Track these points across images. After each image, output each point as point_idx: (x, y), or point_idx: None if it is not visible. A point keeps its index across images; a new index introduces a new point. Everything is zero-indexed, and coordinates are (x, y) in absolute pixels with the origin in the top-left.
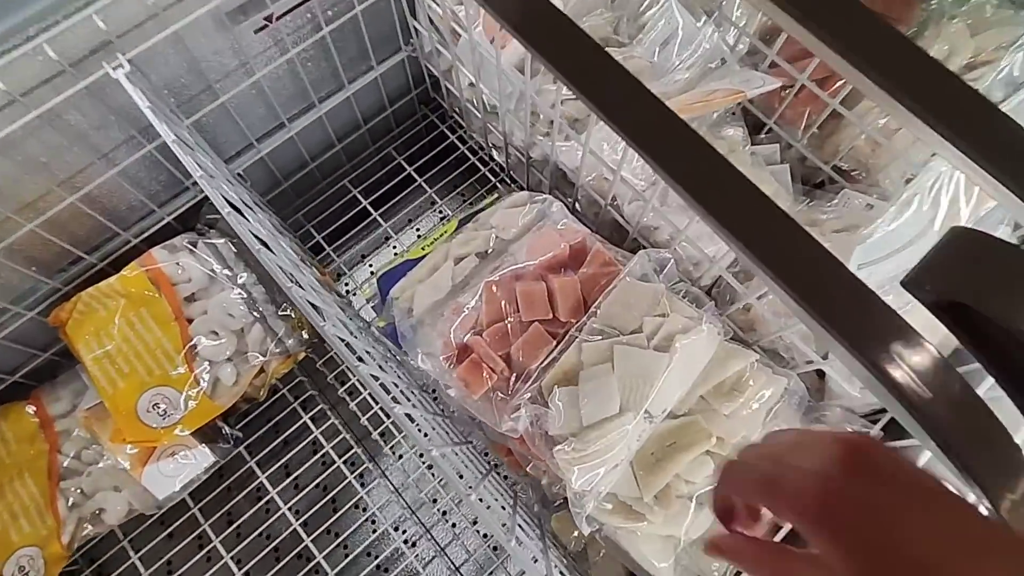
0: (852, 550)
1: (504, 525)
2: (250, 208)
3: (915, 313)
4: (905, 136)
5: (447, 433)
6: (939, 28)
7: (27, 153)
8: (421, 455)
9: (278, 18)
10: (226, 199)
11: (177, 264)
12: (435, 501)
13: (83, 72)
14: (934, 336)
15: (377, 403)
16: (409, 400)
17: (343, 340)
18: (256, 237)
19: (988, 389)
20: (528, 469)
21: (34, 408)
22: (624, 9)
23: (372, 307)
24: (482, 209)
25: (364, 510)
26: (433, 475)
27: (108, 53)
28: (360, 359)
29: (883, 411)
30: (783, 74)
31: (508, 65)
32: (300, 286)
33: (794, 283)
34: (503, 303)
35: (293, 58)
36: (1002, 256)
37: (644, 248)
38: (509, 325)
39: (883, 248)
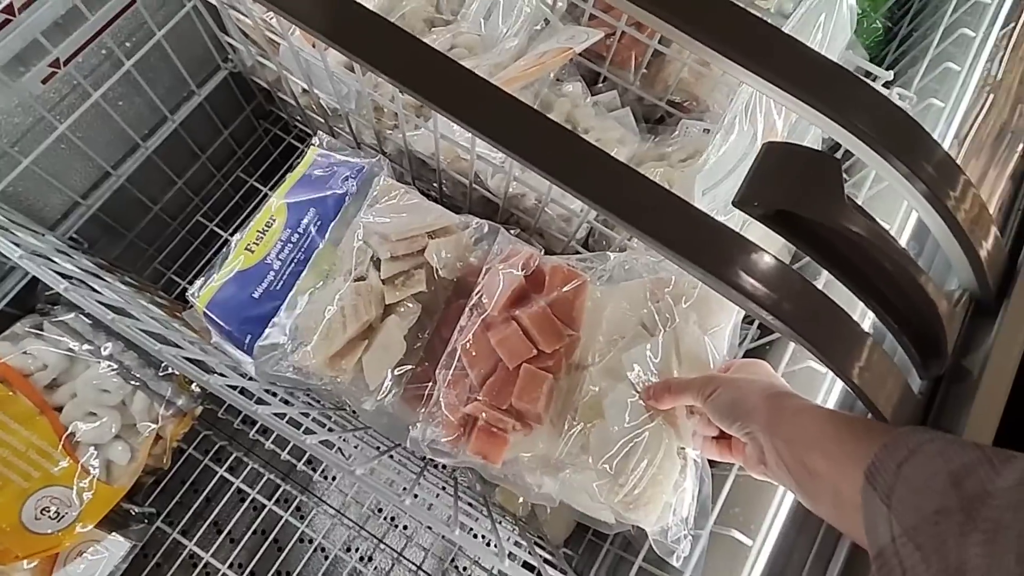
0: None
1: (448, 517)
2: (93, 275)
3: (755, 226)
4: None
5: (375, 443)
6: None
7: None
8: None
9: (66, 62)
10: (59, 273)
11: (25, 353)
12: (380, 511)
13: None
14: (773, 244)
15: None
16: (325, 425)
17: (235, 387)
18: (105, 306)
19: (826, 282)
20: None
21: None
22: None
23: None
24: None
25: (310, 542)
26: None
27: None
28: (260, 400)
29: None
30: (603, 24)
31: (337, 66)
32: (174, 344)
33: (644, 226)
34: (482, 357)
35: (99, 100)
36: (809, 164)
37: (514, 216)
38: (501, 378)
39: (720, 171)
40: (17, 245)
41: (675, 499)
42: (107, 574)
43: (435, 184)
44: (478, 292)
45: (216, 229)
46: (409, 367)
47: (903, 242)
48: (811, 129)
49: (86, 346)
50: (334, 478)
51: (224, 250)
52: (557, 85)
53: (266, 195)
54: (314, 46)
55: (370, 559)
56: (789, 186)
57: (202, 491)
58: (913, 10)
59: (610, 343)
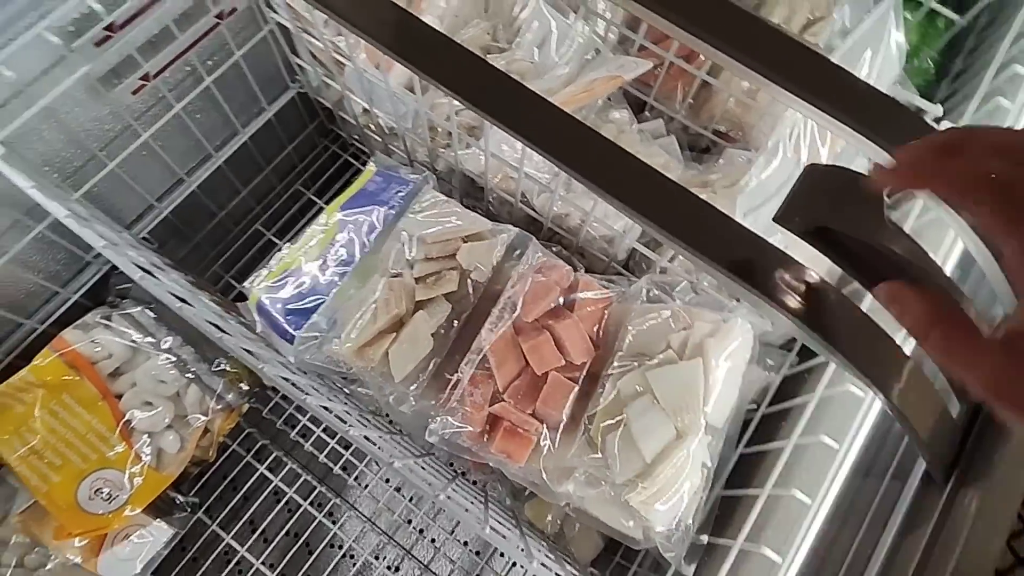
0: None
1: (479, 518)
2: (161, 269)
3: (799, 247)
4: (766, 94)
5: (407, 449)
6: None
7: None
8: (388, 479)
9: (155, 76)
10: (136, 264)
11: (93, 342)
12: (410, 521)
13: None
14: (820, 264)
15: (333, 438)
16: (364, 425)
17: (287, 379)
18: (175, 296)
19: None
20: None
21: None
22: (498, 17)
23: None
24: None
25: (340, 547)
26: (403, 495)
27: None
28: (307, 394)
29: (795, 339)
30: (652, 55)
31: (398, 86)
32: (230, 335)
33: (691, 240)
34: (512, 360)
35: (180, 112)
36: (849, 182)
37: (557, 235)
38: (527, 384)
39: (761, 195)
40: (101, 236)
41: (686, 503)
42: (149, 559)
43: (482, 202)
44: (509, 296)
45: (273, 238)
46: (434, 362)
47: (948, 271)
48: (856, 159)
49: (148, 339)
50: (367, 485)
51: (280, 251)
52: (605, 112)
53: (321, 208)
54: (377, 67)
55: (398, 568)
56: (829, 202)
57: (241, 487)
58: (967, 48)
59: (633, 357)
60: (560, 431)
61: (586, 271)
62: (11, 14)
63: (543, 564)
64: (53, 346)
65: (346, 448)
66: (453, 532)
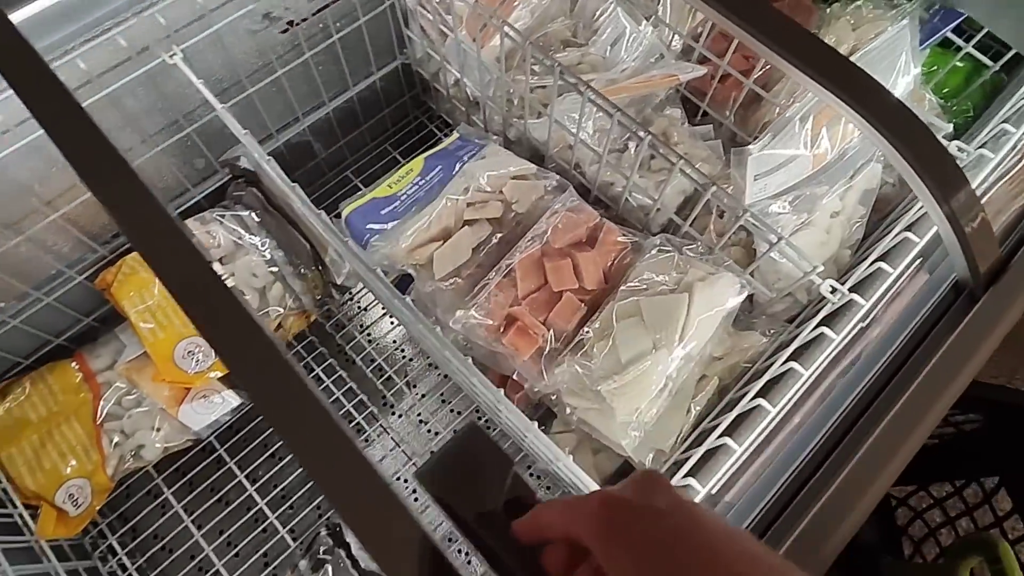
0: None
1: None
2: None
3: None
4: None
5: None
6: (830, 26)
7: None
8: (419, 414)
9: (297, 24)
10: (262, 157)
11: (208, 232)
12: (433, 454)
13: (145, 60)
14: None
15: (384, 365)
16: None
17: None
18: (284, 182)
19: None
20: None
21: (77, 364)
22: (581, 17)
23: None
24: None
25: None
26: (429, 431)
27: (165, 45)
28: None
29: (799, 314)
30: (711, 65)
31: (488, 58)
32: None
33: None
34: (535, 277)
35: (309, 60)
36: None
37: (602, 203)
38: (543, 297)
39: (772, 163)
40: (243, 128)
41: (647, 401)
42: (215, 419)
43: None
44: (543, 225)
45: (359, 184)
46: (469, 272)
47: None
48: (872, 163)
49: (250, 238)
50: (400, 415)
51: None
52: (660, 107)
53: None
54: (474, 40)
55: (413, 492)
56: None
57: None
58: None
59: (632, 292)
60: (561, 341)
61: None
62: None
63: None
64: None
65: (394, 375)
66: None
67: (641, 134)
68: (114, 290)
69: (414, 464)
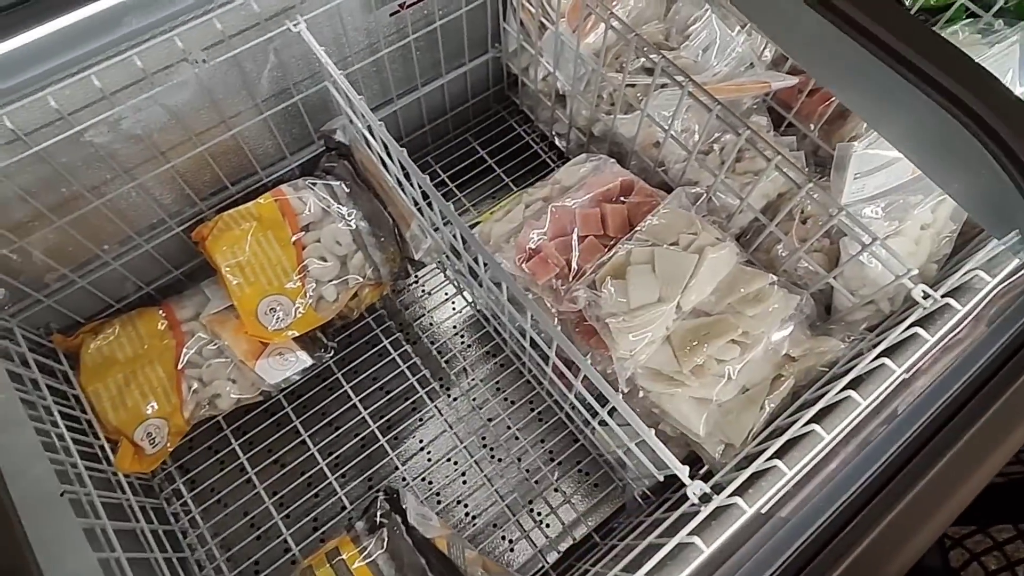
0: None
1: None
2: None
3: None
4: None
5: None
6: None
7: (211, 88)
8: (474, 399)
9: (407, 6)
10: (372, 127)
11: (300, 199)
12: (484, 439)
13: (270, 27)
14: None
15: (450, 341)
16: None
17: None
18: (392, 145)
19: None
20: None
21: (164, 313)
22: (674, 22)
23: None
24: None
25: (420, 441)
26: (482, 416)
27: (291, 16)
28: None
29: (879, 325)
30: (801, 76)
31: (586, 51)
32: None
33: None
34: (566, 223)
35: (410, 43)
36: None
37: None
38: (570, 239)
39: (874, 162)
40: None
41: (643, 344)
42: (288, 376)
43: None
44: (581, 183)
45: (438, 170)
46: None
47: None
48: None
49: (338, 208)
50: (456, 398)
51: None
52: (747, 115)
53: (482, 158)
54: (574, 31)
55: (463, 474)
56: None
57: (366, 353)
58: None
59: (647, 236)
60: (575, 275)
61: None
62: None
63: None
64: (273, 193)
65: (455, 358)
66: (520, 459)
67: (740, 130)
68: (208, 244)
69: (465, 448)
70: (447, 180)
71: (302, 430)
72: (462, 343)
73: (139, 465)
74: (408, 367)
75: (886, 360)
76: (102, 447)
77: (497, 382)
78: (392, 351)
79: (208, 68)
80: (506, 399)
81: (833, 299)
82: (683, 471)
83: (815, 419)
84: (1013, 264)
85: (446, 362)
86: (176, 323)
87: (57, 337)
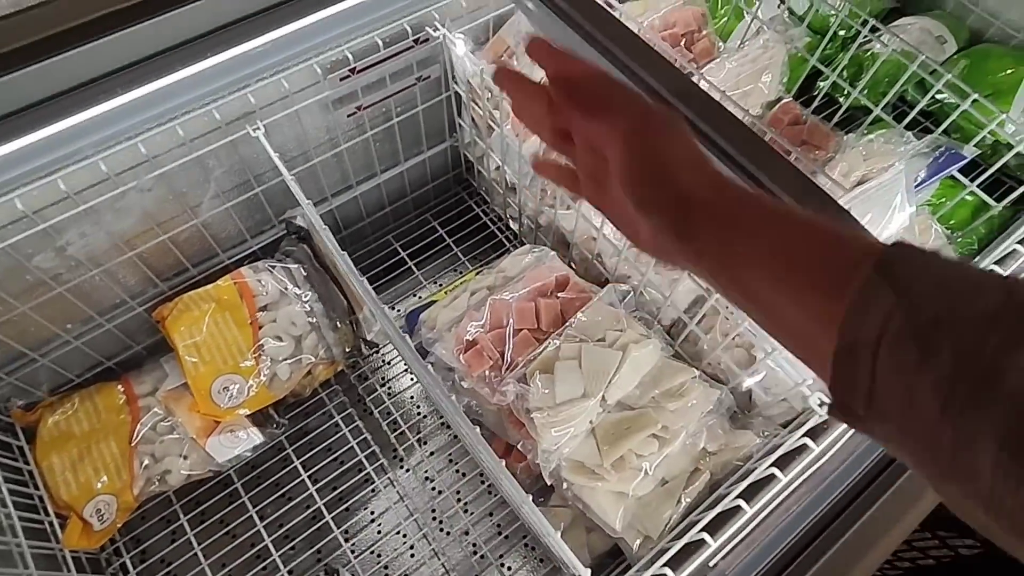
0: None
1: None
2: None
3: None
4: None
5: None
6: (844, 154)
7: (175, 184)
8: (426, 471)
9: (364, 108)
10: (320, 220)
11: (259, 281)
12: (433, 511)
13: (231, 131)
14: None
15: (401, 419)
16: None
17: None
18: (335, 248)
19: None
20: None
21: (123, 387)
22: None
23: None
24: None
25: (371, 513)
26: (434, 489)
27: (251, 120)
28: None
29: (795, 419)
30: None
31: (527, 152)
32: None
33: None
34: (502, 316)
35: (369, 137)
36: None
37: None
38: (505, 331)
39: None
40: (306, 197)
41: (567, 438)
42: (237, 454)
43: (567, 258)
44: (520, 277)
45: (398, 247)
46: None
47: None
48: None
49: (294, 290)
50: (408, 470)
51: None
52: None
53: (441, 237)
54: (517, 135)
55: (412, 547)
56: None
57: (317, 428)
58: None
59: (576, 332)
60: (508, 368)
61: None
62: (300, 49)
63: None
64: (232, 276)
65: (410, 431)
66: (466, 533)
67: None
68: (168, 324)
69: (414, 520)
70: (407, 258)
71: (251, 505)
72: (418, 413)
73: (87, 542)
74: (359, 442)
75: (775, 470)
76: (51, 523)
77: (450, 454)
78: (344, 426)
79: (169, 169)
80: (458, 471)
81: (752, 396)
82: (584, 573)
83: (709, 527)
84: None
85: (400, 434)
86: (134, 398)
87: (16, 412)
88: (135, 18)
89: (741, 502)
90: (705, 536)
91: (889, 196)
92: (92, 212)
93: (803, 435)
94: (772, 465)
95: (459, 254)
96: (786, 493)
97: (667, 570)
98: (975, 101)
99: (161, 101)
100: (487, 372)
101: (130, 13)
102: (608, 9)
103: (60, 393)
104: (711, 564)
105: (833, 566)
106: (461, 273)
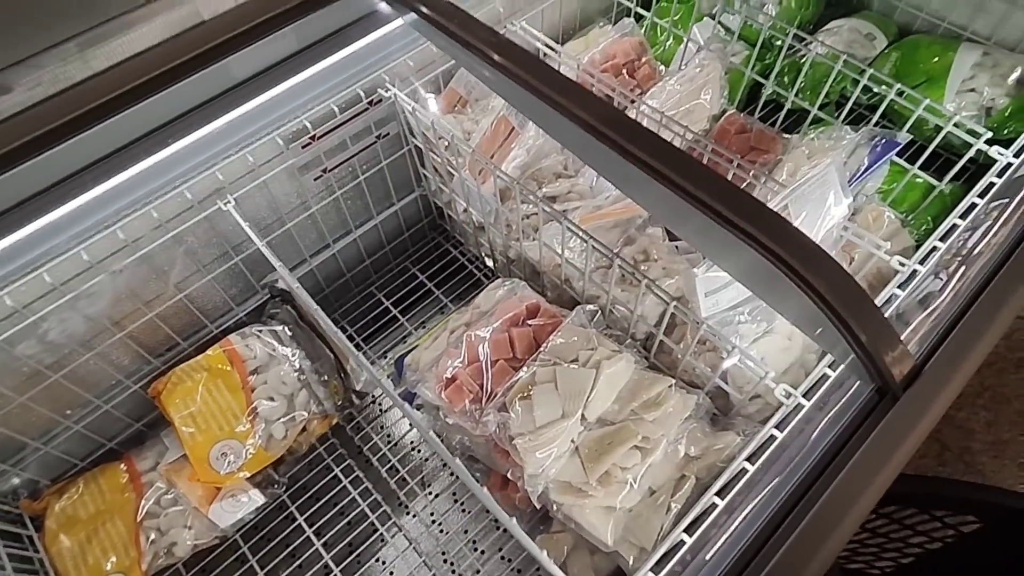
0: None
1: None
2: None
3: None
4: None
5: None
6: (789, 154)
7: (156, 263)
8: (432, 513)
9: (330, 170)
10: (297, 283)
11: (247, 345)
12: (444, 554)
13: (204, 207)
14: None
15: (401, 465)
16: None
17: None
18: (312, 302)
19: None
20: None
21: (125, 466)
22: (570, 154)
23: (391, 380)
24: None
25: (382, 563)
26: (442, 531)
27: (221, 195)
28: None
29: (771, 417)
30: None
31: (487, 192)
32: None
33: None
34: (479, 349)
35: (339, 197)
36: None
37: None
38: (483, 364)
39: (718, 282)
40: (280, 261)
41: (552, 459)
42: (240, 517)
43: (540, 285)
44: (493, 309)
45: (382, 298)
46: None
47: None
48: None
49: (282, 350)
50: (414, 515)
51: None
52: (643, 227)
53: (423, 282)
54: (475, 178)
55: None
56: None
57: (317, 483)
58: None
59: (550, 355)
60: (488, 399)
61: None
62: (261, 124)
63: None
64: (221, 344)
65: (409, 476)
66: (479, 572)
67: (615, 255)
68: (163, 398)
69: (424, 564)
70: (391, 307)
71: (259, 568)
72: (419, 455)
73: None
74: (361, 492)
75: (746, 464)
76: None
77: (454, 493)
78: (344, 478)
79: (150, 250)
80: (464, 509)
81: (730, 396)
82: None
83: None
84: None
85: (401, 480)
86: (137, 475)
87: (24, 502)
88: (103, 116)
89: (716, 498)
90: (684, 536)
91: (824, 191)
92: (78, 300)
93: (772, 427)
94: (744, 460)
95: (441, 296)
96: (757, 481)
97: (650, 574)
98: (901, 91)
99: (134, 189)
100: (468, 405)
101: (96, 112)
102: (541, 58)
103: (66, 479)
104: (688, 558)
105: (804, 541)
106: (446, 314)
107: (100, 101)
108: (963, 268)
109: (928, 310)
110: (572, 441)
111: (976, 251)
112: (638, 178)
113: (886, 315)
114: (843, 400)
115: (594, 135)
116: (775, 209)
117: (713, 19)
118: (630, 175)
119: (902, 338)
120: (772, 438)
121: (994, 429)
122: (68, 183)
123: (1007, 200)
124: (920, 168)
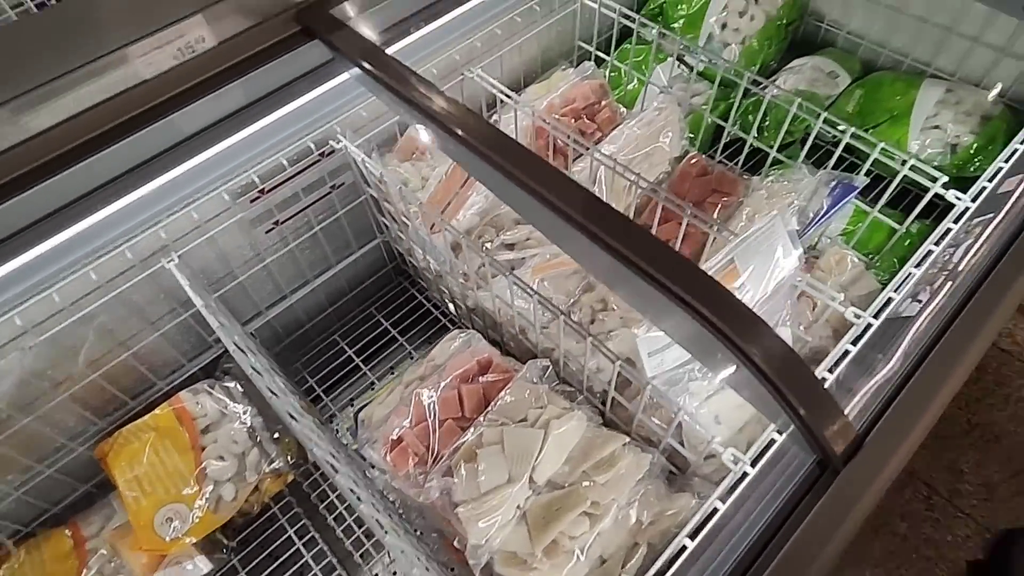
0: None
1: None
2: (254, 353)
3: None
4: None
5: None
6: (750, 197)
7: (100, 323)
8: (393, 572)
9: (283, 223)
10: (235, 344)
11: (198, 403)
12: None
13: (147, 266)
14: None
15: (357, 526)
16: (375, 509)
17: (329, 462)
18: (253, 369)
19: None
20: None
21: (70, 532)
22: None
23: (350, 433)
24: None
25: None
26: None
27: (165, 253)
28: (337, 471)
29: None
30: None
31: (441, 243)
32: (293, 417)
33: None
34: (427, 407)
35: (293, 248)
36: None
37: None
38: (430, 424)
39: (661, 342)
40: (219, 322)
41: (496, 528)
42: None
43: (498, 335)
44: (444, 364)
45: (345, 347)
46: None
47: None
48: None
49: (234, 407)
50: (376, 574)
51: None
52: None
53: (387, 329)
54: (430, 229)
55: None
56: None
57: (271, 545)
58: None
59: (498, 415)
60: (434, 461)
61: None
62: (206, 180)
63: None
64: (170, 402)
65: (366, 537)
66: None
67: (560, 313)
68: (109, 460)
69: None
70: (354, 356)
71: None
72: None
73: None
74: (314, 555)
75: (687, 540)
76: None
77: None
78: (297, 540)
79: (92, 309)
80: (428, 569)
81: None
82: None
83: None
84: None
85: (358, 540)
86: (82, 541)
87: None
88: (37, 178)
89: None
90: None
91: (772, 242)
92: (11, 363)
93: (716, 498)
94: (686, 536)
95: (405, 344)
96: (699, 555)
97: None
98: (855, 133)
99: (72, 250)
100: (413, 469)
101: (31, 176)
102: (498, 105)
103: (14, 541)
104: None
105: None
106: (412, 360)
107: (33, 165)
108: (914, 325)
109: (873, 375)
110: (519, 507)
111: (929, 307)
112: (574, 237)
113: (840, 369)
114: (789, 468)
115: (531, 194)
116: (721, 263)
117: (676, 60)
118: (566, 234)
119: (846, 407)
120: (715, 510)
121: (983, 470)
122: (2, 246)
123: (961, 246)
124: (889, 205)
